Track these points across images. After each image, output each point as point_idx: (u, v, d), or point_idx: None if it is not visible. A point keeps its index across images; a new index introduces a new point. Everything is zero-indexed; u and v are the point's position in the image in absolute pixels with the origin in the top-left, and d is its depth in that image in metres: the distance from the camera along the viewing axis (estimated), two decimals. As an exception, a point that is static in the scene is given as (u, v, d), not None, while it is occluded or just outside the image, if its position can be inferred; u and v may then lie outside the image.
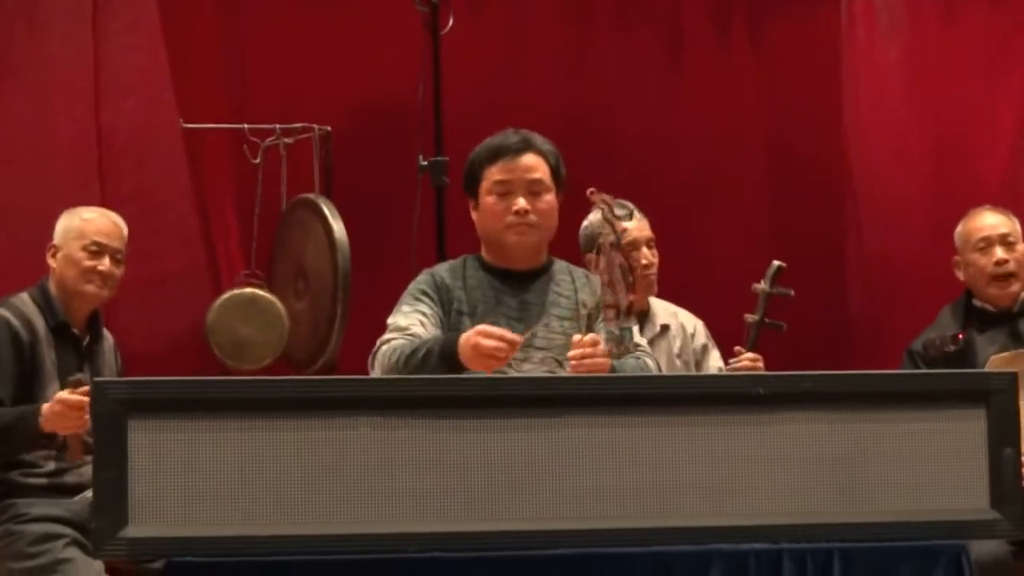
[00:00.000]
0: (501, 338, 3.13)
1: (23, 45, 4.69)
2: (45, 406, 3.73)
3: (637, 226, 4.15)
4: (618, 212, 3.21)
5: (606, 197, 3.17)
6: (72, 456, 3.82)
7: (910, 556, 2.67)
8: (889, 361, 4.54)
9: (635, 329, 3.49)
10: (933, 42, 5.01)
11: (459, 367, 3.17)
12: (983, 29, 4.98)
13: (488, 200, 3.45)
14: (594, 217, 4.16)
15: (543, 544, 2.60)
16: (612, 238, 3.12)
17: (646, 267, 4.15)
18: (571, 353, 3.16)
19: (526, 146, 3.46)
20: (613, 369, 3.20)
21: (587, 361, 3.12)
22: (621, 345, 3.13)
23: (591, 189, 3.17)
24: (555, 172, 3.48)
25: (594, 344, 3.14)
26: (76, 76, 4.70)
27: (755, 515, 2.66)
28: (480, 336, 3.14)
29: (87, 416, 3.66)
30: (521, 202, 3.41)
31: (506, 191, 3.42)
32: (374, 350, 3.37)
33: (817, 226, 5.00)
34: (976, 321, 4.37)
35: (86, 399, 3.63)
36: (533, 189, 3.43)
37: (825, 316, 4.75)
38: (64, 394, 3.70)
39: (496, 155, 3.46)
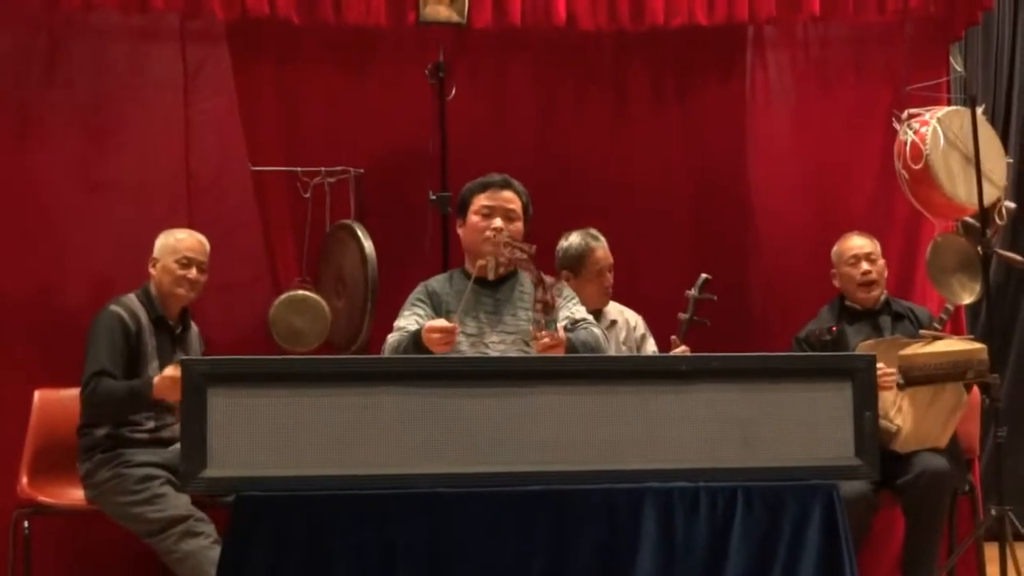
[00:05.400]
0: (442, 329, 3.26)
1: (131, 106, 4.69)
2: (156, 378, 3.74)
3: (603, 255, 4.19)
4: (519, 247, 3.35)
5: (510, 240, 3.38)
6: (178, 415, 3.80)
7: (795, 493, 2.69)
8: (781, 346, 4.56)
9: (559, 322, 3.53)
10: (814, 107, 5.02)
11: (425, 351, 3.27)
12: (851, 97, 4.99)
13: (474, 219, 3.54)
14: (573, 239, 4.19)
15: (518, 482, 2.61)
16: (524, 257, 3.31)
17: (607, 288, 4.19)
18: (537, 344, 3.22)
19: (507, 184, 3.59)
20: (570, 344, 3.30)
21: (548, 352, 3.20)
22: (545, 331, 3.21)
23: (506, 239, 3.39)
24: (525, 209, 3.59)
25: (551, 338, 3.21)
26: (171, 130, 4.68)
27: (678, 461, 2.68)
28: (429, 332, 3.27)
29: None
30: (498, 222, 3.51)
31: (488, 213, 3.51)
32: (384, 345, 3.48)
33: (728, 245, 5.00)
34: (847, 317, 4.42)
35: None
36: (509, 215, 3.53)
37: (733, 313, 4.75)
38: (170, 370, 3.72)
39: (484, 187, 3.57)
